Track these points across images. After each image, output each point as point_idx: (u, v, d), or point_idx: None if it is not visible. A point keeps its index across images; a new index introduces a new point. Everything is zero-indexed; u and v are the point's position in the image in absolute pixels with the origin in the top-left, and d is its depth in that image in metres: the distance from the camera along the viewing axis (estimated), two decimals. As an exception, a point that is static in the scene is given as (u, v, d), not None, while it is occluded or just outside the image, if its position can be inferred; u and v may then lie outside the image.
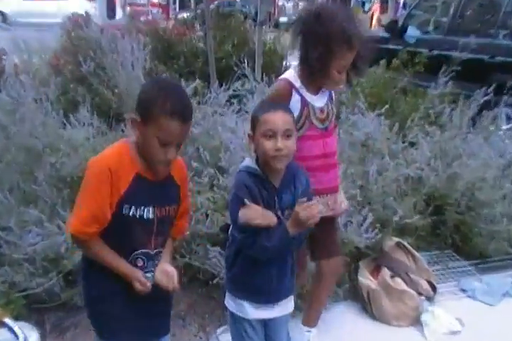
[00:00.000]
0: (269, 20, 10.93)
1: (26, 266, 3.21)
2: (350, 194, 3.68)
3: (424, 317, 3.43)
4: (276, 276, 2.36)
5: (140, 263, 2.12)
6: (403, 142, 4.46)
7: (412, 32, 8.50)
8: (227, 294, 2.44)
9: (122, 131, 4.31)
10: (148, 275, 2.13)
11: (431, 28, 8.54)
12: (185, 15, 13.82)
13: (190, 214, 2.38)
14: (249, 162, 2.33)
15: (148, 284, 2.08)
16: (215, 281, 3.37)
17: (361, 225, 3.54)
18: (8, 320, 1.80)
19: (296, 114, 2.60)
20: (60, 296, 3.27)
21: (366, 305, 3.54)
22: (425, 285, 3.60)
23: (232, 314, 2.44)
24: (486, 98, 4.96)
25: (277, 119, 2.23)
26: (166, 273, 2.13)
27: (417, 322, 3.45)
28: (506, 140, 4.70)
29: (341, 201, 2.97)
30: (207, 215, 3.54)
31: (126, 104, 5.07)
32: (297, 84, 2.69)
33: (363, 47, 2.59)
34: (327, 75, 2.61)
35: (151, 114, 1.94)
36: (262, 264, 2.31)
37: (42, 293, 3.20)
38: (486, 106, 5.01)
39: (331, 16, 2.55)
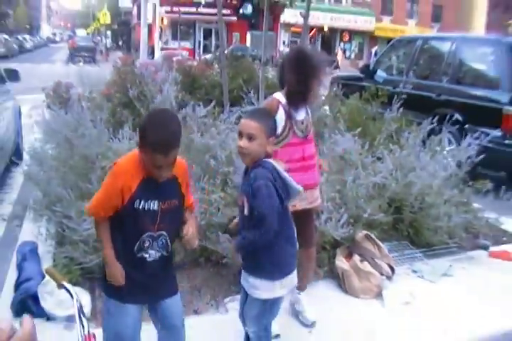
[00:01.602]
0: (272, 61, 10.99)
1: (82, 246, 3.24)
2: (330, 196, 3.67)
3: (384, 292, 3.44)
4: None
5: (147, 243, 2.07)
6: (372, 156, 4.45)
7: (380, 74, 8.57)
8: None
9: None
10: (152, 252, 2.08)
11: (394, 71, 8.59)
12: (207, 56, 13.91)
13: (193, 203, 2.26)
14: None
15: (121, 280, 2.07)
16: (224, 261, 3.40)
17: (338, 221, 3.54)
18: (65, 283, 1.78)
19: (282, 124, 2.67)
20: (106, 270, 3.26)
21: (341, 282, 3.55)
22: (386, 268, 3.61)
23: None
24: (432, 126, 4.95)
25: (245, 124, 2.18)
26: (192, 229, 2.13)
27: (379, 295, 3.46)
28: (449, 158, 4.71)
29: (317, 197, 2.91)
30: (218, 209, 3.54)
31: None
32: (283, 101, 2.72)
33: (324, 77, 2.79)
34: (312, 93, 2.74)
35: (142, 143, 1.92)
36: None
37: (93, 267, 3.22)
38: (432, 131, 5.02)
39: (307, 58, 2.70)
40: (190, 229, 2.12)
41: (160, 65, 7.24)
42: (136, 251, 2.06)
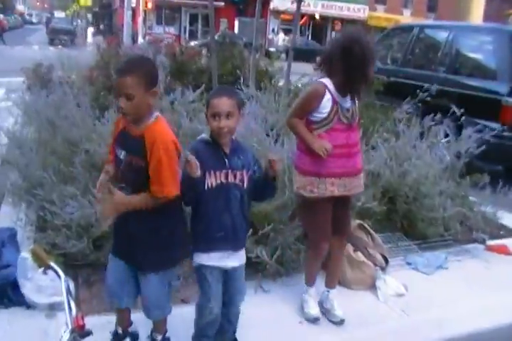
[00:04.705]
0: (262, 49, 10.96)
1: (64, 231, 3.23)
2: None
3: (377, 283, 3.46)
4: (231, 229, 2.34)
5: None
6: (366, 145, 4.44)
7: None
8: (194, 254, 2.39)
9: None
10: None
11: (389, 60, 8.62)
12: (193, 43, 13.82)
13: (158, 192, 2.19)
14: (204, 134, 2.40)
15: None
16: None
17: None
18: (52, 263, 1.81)
19: (327, 110, 2.78)
20: (89, 257, 3.26)
21: (333, 272, 3.54)
22: (380, 258, 3.62)
23: (199, 267, 2.39)
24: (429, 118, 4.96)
25: (221, 103, 2.25)
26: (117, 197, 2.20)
27: (372, 286, 3.48)
28: (444, 151, 4.75)
29: (357, 185, 2.97)
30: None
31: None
32: (331, 87, 2.80)
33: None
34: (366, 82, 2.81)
35: None
36: (216, 218, 2.31)
37: (76, 253, 3.22)
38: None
39: (366, 46, 2.71)
40: (116, 193, 2.18)
41: (146, 49, 7.18)
42: None
